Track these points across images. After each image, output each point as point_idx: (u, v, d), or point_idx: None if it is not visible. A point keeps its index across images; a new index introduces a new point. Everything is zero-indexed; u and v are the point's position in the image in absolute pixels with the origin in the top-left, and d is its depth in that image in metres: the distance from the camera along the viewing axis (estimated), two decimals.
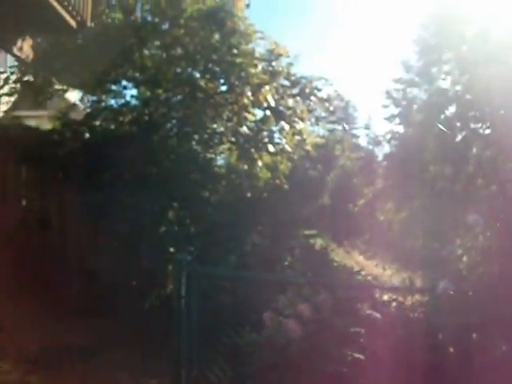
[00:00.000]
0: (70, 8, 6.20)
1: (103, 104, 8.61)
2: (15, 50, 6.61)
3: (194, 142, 8.12)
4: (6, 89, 8.41)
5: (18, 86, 8.72)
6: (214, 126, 8.38)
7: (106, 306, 7.03)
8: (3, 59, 8.23)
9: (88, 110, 8.74)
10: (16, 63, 8.52)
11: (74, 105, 9.43)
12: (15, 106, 9.58)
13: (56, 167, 7.82)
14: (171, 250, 7.66)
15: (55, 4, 5.82)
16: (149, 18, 8.71)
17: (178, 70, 8.54)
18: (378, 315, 4.43)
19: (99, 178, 7.47)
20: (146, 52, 8.70)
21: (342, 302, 4.58)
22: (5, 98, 8.97)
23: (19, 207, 8.19)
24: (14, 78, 8.60)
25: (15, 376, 5.68)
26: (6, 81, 8.42)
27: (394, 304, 4.85)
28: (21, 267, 7.24)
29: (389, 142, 19.56)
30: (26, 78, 8.61)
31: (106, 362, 6.02)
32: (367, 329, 4.38)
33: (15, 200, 8.11)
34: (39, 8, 5.69)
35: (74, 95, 10.26)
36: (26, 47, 6.80)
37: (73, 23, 6.47)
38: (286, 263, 7.73)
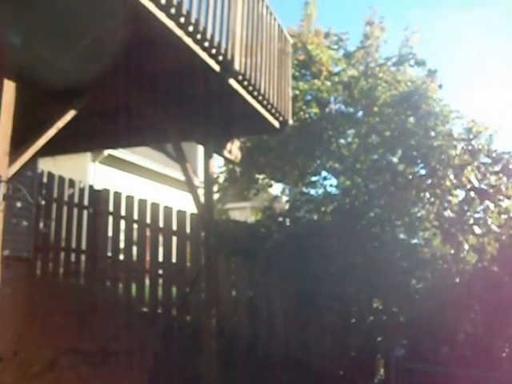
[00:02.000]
0: (274, 111, 6.67)
1: (305, 195, 8.91)
2: (225, 153, 7.22)
3: (396, 228, 8.04)
4: (215, 187, 9.09)
5: (226, 183, 9.42)
6: (416, 209, 8.24)
7: None
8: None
9: (290, 202, 9.09)
10: (224, 163, 9.27)
11: (277, 197, 9.90)
12: (221, 200, 10.27)
13: (263, 259, 8.16)
14: (379, 339, 7.56)
15: (262, 110, 6.31)
16: (343, 109, 8.99)
17: (375, 156, 8.62)
18: None
19: (304, 269, 7.66)
20: (343, 141, 8.93)
21: None
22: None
23: (230, 297, 8.62)
24: (222, 176, 9.34)
25: None
26: (216, 180, 9.14)
27: None
28: (227, 356, 7.51)
29: None
30: (233, 176, 9.29)
31: None
32: None
33: (226, 290, 8.56)
34: (248, 115, 6.21)
35: (275, 186, 10.79)
36: (234, 149, 7.39)
37: (276, 124, 6.93)
38: (504, 354, 7.19)
